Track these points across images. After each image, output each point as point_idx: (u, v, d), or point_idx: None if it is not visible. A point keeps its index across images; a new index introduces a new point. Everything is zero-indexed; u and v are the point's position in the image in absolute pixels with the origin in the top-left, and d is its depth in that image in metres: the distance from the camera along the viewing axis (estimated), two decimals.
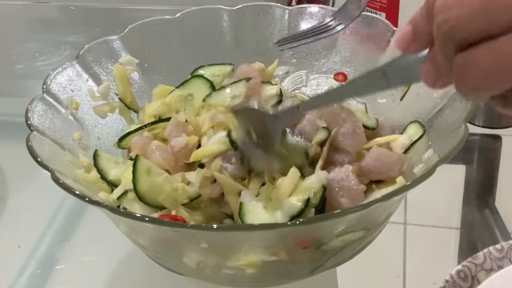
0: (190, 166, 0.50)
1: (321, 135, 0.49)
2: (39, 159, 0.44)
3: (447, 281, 0.45)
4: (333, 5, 1.05)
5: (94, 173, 0.50)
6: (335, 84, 0.60)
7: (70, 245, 0.60)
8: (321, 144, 0.49)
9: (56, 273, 0.57)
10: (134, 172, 0.47)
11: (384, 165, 0.49)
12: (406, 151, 0.51)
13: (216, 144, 0.49)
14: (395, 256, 0.56)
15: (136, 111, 0.56)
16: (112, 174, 0.51)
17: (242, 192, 0.47)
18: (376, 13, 0.73)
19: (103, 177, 0.51)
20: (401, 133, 0.53)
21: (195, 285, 0.52)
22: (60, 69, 0.55)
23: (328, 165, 0.49)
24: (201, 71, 0.58)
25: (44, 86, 0.53)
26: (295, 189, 0.46)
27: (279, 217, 0.44)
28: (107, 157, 0.52)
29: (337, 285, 0.53)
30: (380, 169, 0.49)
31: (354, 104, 0.58)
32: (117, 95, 0.56)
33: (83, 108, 0.55)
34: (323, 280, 0.51)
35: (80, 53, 0.57)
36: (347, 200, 0.47)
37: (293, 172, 0.46)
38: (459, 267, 0.46)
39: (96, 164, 0.51)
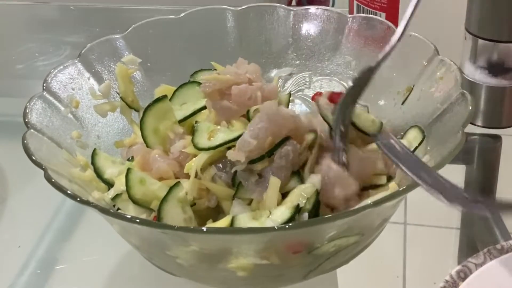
0: None
1: (309, 137, 0.49)
2: (34, 157, 0.44)
3: (447, 281, 0.45)
4: (333, 5, 1.05)
5: (89, 172, 0.51)
6: (337, 86, 0.60)
7: (70, 245, 0.60)
8: (310, 147, 0.49)
9: (56, 273, 0.57)
10: (127, 181, 0.47)
11: (367, 167, 0.48)
12: None
13: (210, 152, 0.48)
14: (395, 256, 0.56)
15: (137, 111, 0.56)
16: (108, 173, 0.51)
17: (233, 201, 0.47)
18: (376, 13, 0.73)
19: (99, 176, 0.51)
20: (401, 138, 0.53)
21: (197, 285, 0.51)
22: (61, 67, 0.55)
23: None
24: (201, 77, 0.58)
25: (45, 84, 0.53)
26: (287, 195, 0.46)
27: (268, 225, 0.44)
28: (105, 156, 0.53)
29: (337, 285, 0.54)
30: (365, 171, 0.49)
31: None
32: (119, 94, 0.56)
33: (83, 107, 0.55)
34: (322, 280, 0.51)
35: (83, 51, 0.57)
36: (340, 189, 0.47)
37: (273, 182, 0.46)
38: (459, 267, 0.46)
39: (93, 162, 0.52)
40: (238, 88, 0.50)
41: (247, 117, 0.50)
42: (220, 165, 0.48)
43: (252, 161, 0.46)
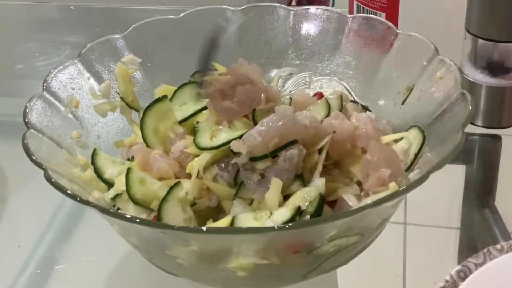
0: None
1: (323, 141, 0.49)
2: (34, 157, 0.44)
3: (447, 281, 0.45)
4: (333, 5, 1.05)
5: (89, 172, 0.51)
6: (337, 86, 0.60)
7: (70, 245, 0.60)
8: (319, 149, 0.49)
9: (56, 273, 0.57)
10: (127, 181, 0.47)
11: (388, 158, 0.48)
12: (411, 165, 0.50)
13: (212, 152, 0.48)
14: (395, 256, 0.56)
15: (137, 110, 0.56)
16: (108, 173, 0.51)
17: (234, 201, 0.47)
18: (376, 13, 0.73)
19: (99, 176, 0.51)
20: (401, 138, 0.53)
21: (197, 285, 0.52)
22: (61, 67, 0.55)
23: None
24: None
25: (45, 84, 0.53)
26: (290, 197, 0.46)
27: (268, 225, 0.44)
28: (105, 156, 0.53)
29: (337, 285, 0.54)
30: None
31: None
32: (119, 94, 0.56)
33: (83, 107, 0.55)
34: (322, 280, 0.51)
35: (83, 51, 0.57)
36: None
37: (275, 183, 0.46)
38: (459, 267, 0.46)
39: (93, 162, 0.52)
40: (244, 89, 0.50)
41: (252, 117, 0.50)
42: (222, 165, 0.48)
43: (254, 159, 0.46)
